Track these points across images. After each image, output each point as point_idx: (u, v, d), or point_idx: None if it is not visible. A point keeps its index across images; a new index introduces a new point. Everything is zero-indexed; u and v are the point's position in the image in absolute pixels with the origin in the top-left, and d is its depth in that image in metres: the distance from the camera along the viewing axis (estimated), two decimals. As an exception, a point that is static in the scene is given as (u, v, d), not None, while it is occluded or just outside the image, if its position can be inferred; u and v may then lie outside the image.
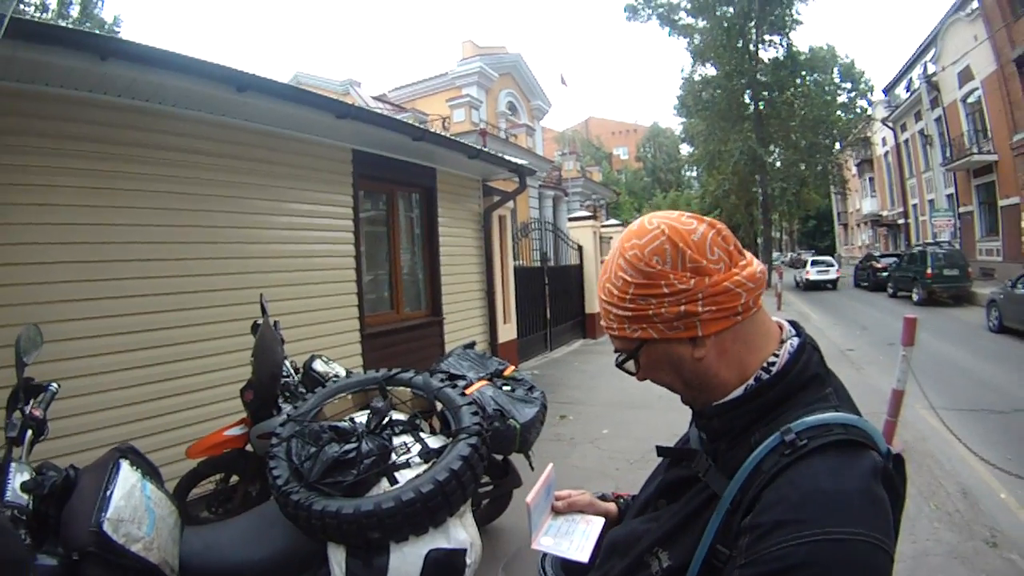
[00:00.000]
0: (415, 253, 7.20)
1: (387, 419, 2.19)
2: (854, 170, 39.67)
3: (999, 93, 18.67)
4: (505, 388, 3.25)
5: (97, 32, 3.88)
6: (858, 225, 43.53)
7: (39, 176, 3.47)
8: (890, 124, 30.74)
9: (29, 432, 1.74)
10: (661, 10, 27.14)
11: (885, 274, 20.20)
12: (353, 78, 23.84)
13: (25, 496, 1.53)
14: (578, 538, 1.05)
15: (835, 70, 31.96)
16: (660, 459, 1.03)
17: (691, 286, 0.79)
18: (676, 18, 27.29)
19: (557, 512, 1.13)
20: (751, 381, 0.83)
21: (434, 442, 2.17)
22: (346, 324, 5.61)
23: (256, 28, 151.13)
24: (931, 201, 25.81)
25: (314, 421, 2.29)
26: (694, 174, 44.18)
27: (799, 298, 20.41)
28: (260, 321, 3.20)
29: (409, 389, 2.54)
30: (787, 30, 26.06)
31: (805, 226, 53.62)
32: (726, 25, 25.83)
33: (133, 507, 1.61)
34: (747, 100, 27.66)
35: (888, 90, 33.35)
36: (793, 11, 25.60)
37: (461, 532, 1.98)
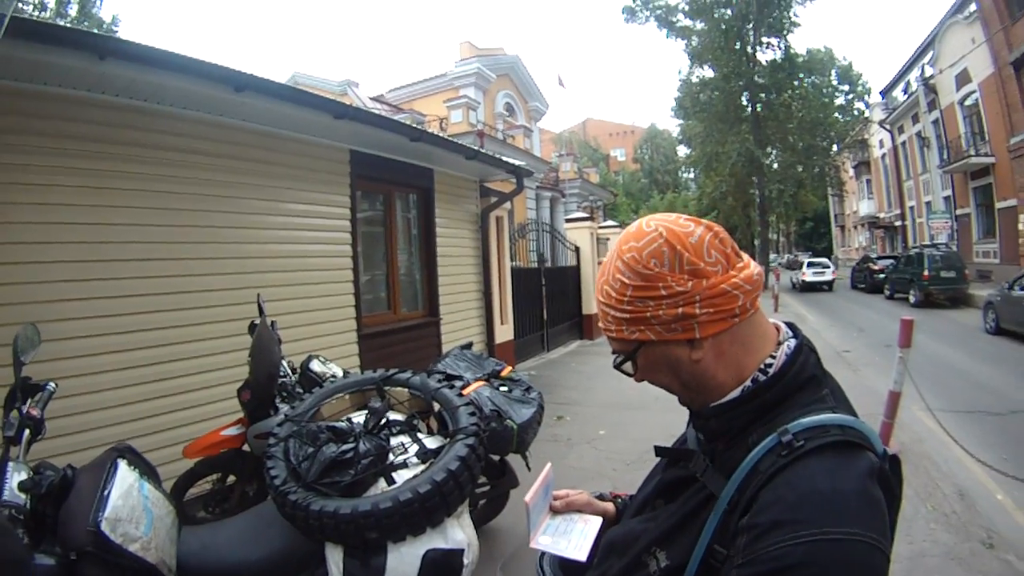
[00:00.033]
0: (412, 254, 7.20)
1: (385, 419, 2.20)
2: (851, 172, 39.76)
3: (997, 96, 18.71)
4: (502, 389, 3.25)
5: (96, 31, 3.87)
6: (855, 227, 43.62)
7: (38, 175, 3.47)
8: (887, 126, 30.80)
9: (27, 431, 1.73)
10: (659, 12, 27.19)
11: (882, 276, 20.26)
12: (351, 78, 23.81)
13: (23, 495, 1.53)
14: (576, 537, 1.06)
15: (833, 72, 32.06)
16: (657, 459, 1.04)
17: (689, 288, 0.79)
18: (674, 20, 27.35)
19: (555, 511, 1.13)
20: (748, 382, 0.83)
21: (431, 442, 2.17)
22: (343, 324, 5.60)
23: (254, 28, 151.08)
24: (928, 203, 25.91)
25: (312, 421, 2.29)
26: (691, 176, 44.31)
27: (796, 300, 20.45)
28: (257, 321, 3.19)
29: (406, 389, 2.54)
30: (785, 32, 26.16)
31: (802, 228, 53.73)
32: (724, 27, 25.91)
33: (131, 507, 1.61)
34: (745, 102, 27.73)
35: (885, 92, 33.45)
36: (791, 13, 25.70)
37: (458, 532, 1.98)
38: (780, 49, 26.74)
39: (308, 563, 1.93)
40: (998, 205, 19.58)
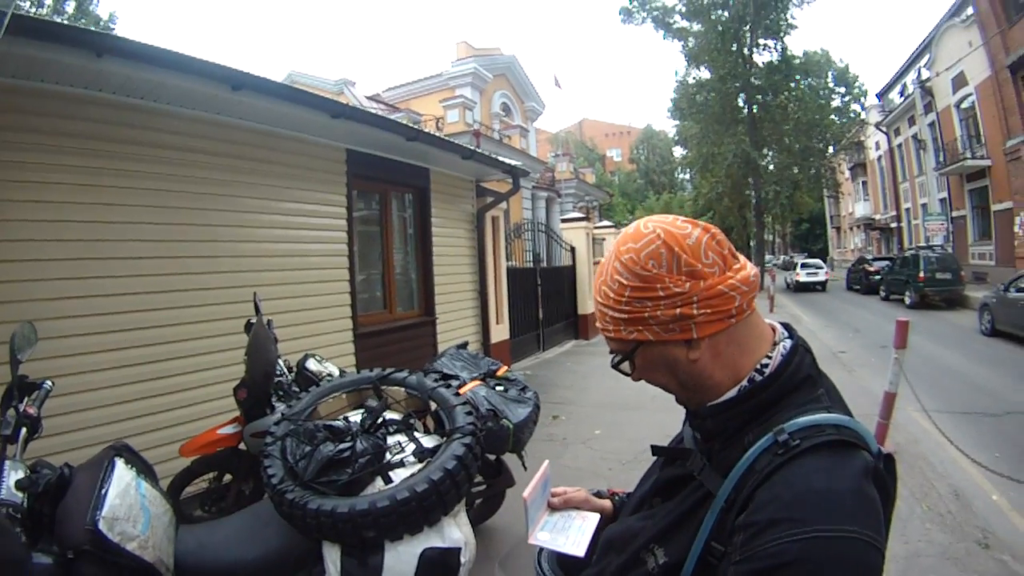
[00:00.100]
0: (408, 253, 7.20)
1: (381, 418, 2.20)
2: (847, 174, 39.85)
3: (993, 99, 18.80)
4: (498, 388, 3.26)
5: (93, 29, 3.86)
6: (851, 228, 43.73)
7: (35, 173, 3.46)
8: (884, 128, 30.92)
9: (23, 430, 1.72)
10: (656, 13, 27.25)
11: (878, 277, 20.33)
12: (347, 78, 23.76)
13: (20, 494, 1.52)
14: (574, 533, 1.07)
15: (829, 74, 32.06)
16: (654, 458, 1.05)
17: (686, 289, 0.80)
18: (671, 21, 27.42)
19: (553, 508, 1.14)
20: (745, 382, 0.84)
21: (428, 442, 2.17)
22: (339, 323, 5.60)
23: (250, 27, 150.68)
24: (924, 205, 26.02)
25: (308, 420, 2.29)
26: (687, 176, 44.43)
27: (791, 300, 20.52)
28: (254, 319, 3.20)
29: (403, 389, 2.54)
30: (782, 34, 26.25)
31: (798, 229, 53.81)
32: (721, 29, 25.98)
33: (128, 505, 1.60)
34: (741, 103, 27.82)
35: (882, 95, 33.53)
36: (788, 15, 25.78)
37: (455, 531, 1.99)
38: (777, 51, 26.88)
39: (305, 562, 1.93)
40: (994, 207, 19.68)
